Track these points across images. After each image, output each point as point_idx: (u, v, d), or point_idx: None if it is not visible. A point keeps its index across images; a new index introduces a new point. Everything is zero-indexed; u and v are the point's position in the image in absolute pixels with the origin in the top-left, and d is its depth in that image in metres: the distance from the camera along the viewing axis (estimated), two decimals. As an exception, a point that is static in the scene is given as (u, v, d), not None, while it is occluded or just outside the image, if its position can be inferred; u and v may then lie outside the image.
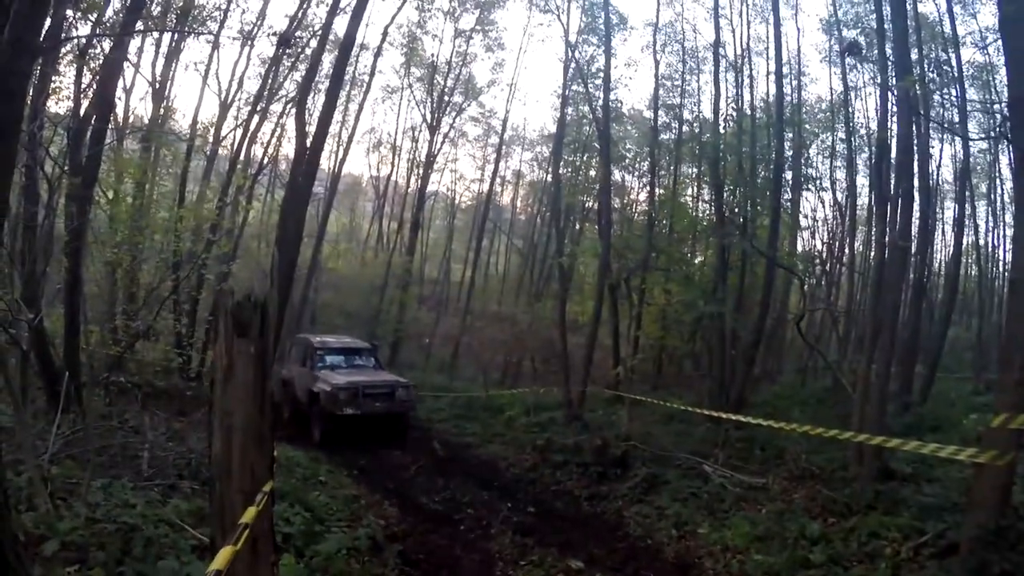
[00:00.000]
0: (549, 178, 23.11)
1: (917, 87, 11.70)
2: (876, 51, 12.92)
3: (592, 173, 20.32)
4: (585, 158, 21.22)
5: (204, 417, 10.74)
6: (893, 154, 11.33)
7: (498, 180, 36.15)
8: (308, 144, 13.47)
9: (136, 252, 13.30)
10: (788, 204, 19.33)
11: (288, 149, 24.07)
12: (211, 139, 20.48)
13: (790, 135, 17.29)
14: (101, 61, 11.89)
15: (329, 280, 29.23)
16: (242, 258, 20.46)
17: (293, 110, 17.15)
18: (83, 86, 11.82)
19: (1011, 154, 7.78)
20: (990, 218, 25.38)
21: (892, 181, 11.07)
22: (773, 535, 7.44)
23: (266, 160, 23.57)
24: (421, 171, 29.51)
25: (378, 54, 26.72)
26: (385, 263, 29.07)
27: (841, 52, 17.10)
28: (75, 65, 11.75)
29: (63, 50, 11.16)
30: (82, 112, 11.33)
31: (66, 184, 10.38)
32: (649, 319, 18.61)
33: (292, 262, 13.69)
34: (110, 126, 12.68)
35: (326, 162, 26.04)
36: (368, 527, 7.35)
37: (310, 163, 13.56)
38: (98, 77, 11.69)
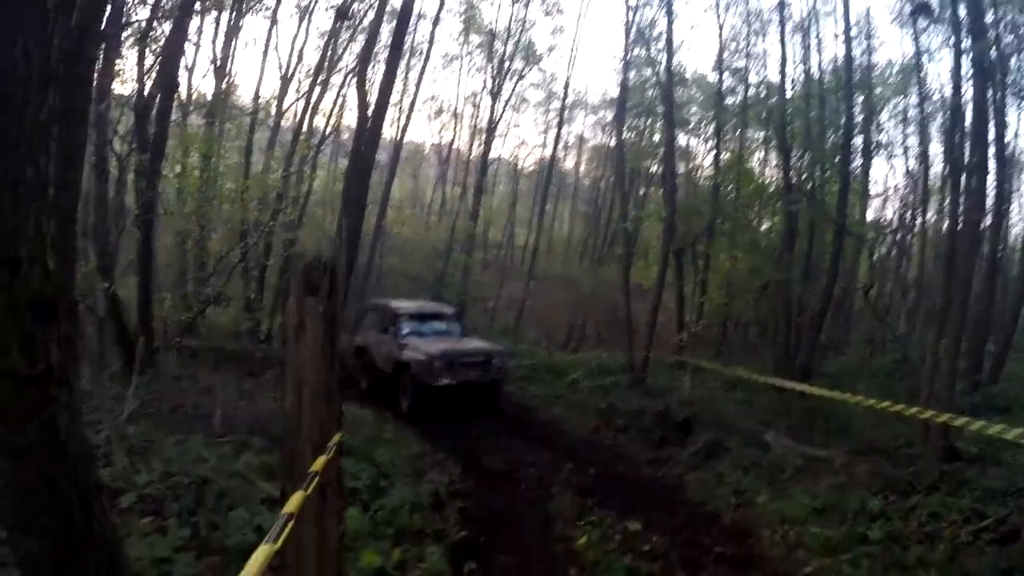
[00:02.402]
0: (613, 143, 22.87)
1: (993, 51, 11.18)
2: (949, 12, 12.29)
3: (656, 137, 20.05)
4: (649, 122, 20.97)
5: (273, 377, 11.44)
6: (967, 121, 10.94)
7: (561, 145, 35.91)
8: (369, 113, 13.77)
9: (205, 222, 13.90)
10: (858, 171, 18.75)
11: (350, 119, 24.58)
12: (273, 112, 21.05)
13: (860, 99, 16.70)
14: (163, 42, 12.40)
15: (394, 245, 29.70)
16: (308, 225, 21.01)
17: (354, 81, 17.47)
18: (146, 67, 12.36)
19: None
20: None
21: (967, 149, 10.72)
22: (832, 509, 7.46)
23: (328, 130, 24.05)
24: (483, 137, 29.59)
25: (436, 22, 26.78)
26: (449, 228, 29.45)
27: (911, 13, 16.29)
28: (137, 48, 12.28)
29: (125, 34, 11.68)
30: (146, 92, 11.89)
31: (134, 161, 10.98)
32: (714, 285, 18.47)
33: (356, 228, 14.12)
34: (174, 104, 13.27)
35: (388, 130, 26.26)
36: (432, 482, 7.61)
37: (372, 131, 13.89)
38: (160, 58, 12.19)
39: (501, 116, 29.96)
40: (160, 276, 12.37)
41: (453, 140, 36.81)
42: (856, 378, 13.51)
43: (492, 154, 31.36)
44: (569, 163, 42.25)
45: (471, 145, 35.42)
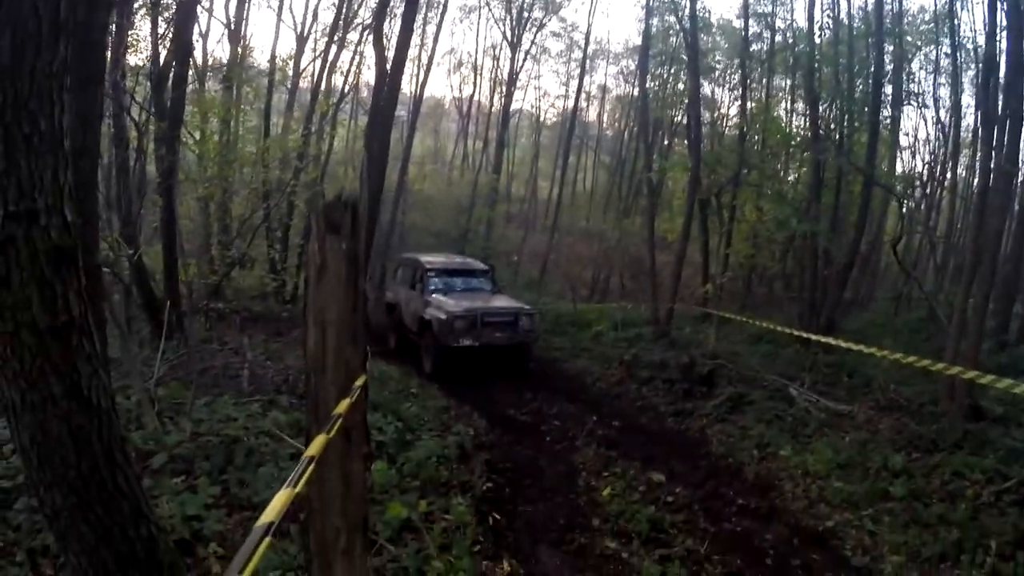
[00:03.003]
0: (636, 92, 22.43)
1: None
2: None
3: (680, 86, 19.64)
4: (673, 71, 20.53)
5: (300, 335, 11.61)
6: (1002, 72, 10.65)
7: (583, 96, 35.35)
8: (388, 69, 13.66)
9: (227, 185, 14.02)
10: (888, 121, 18.37)
11: (368, 76, 24.40)
12: (291, 72, 20.92)
13: (890, 47, 16.21)
14: (175, 9, 12.36)
15: (416, 201, 29.59)
16: (329, 183, 21.05)
17: (370, 37, 17.25)
18: (159, 34, 12.39)
19: None
20: None
21: (1000, 101, 10.46)
22: (855, 464, 7.58)
23: (347, 88, 23.96)
24: (504, 89, 29.25)
25: (453, -28, 26.10)
26: (471, 182, 29.26)
27: None
28: (150, 16, 12.26)
29: (137, 3, 11.66)
30: (161, 59, 11.91)
31: (153, 128, 11.05)
32: (739, 237, 18.33)
33: (379, 184, 14.13)
34: (190, 70, 13.26)
35: (407, 86, 26.01)
36: (458, 435, 7.75)
37: (391, 87, 13.80)
38: (173, 24, 12.17)
39: (521, 67, 29.68)
40: (184, 241, 12.50)
41: (473, 94, 36.45)
42: (881, 334, 13.42)
43: (513, 107, 31.10)
44: (592, 114, 41.63)
45: (492, 98, 35.05)
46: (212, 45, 23.55)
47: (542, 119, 39.06)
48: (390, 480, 5.82)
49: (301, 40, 21.48)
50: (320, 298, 2.41)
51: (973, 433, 7.81)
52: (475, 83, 36.13)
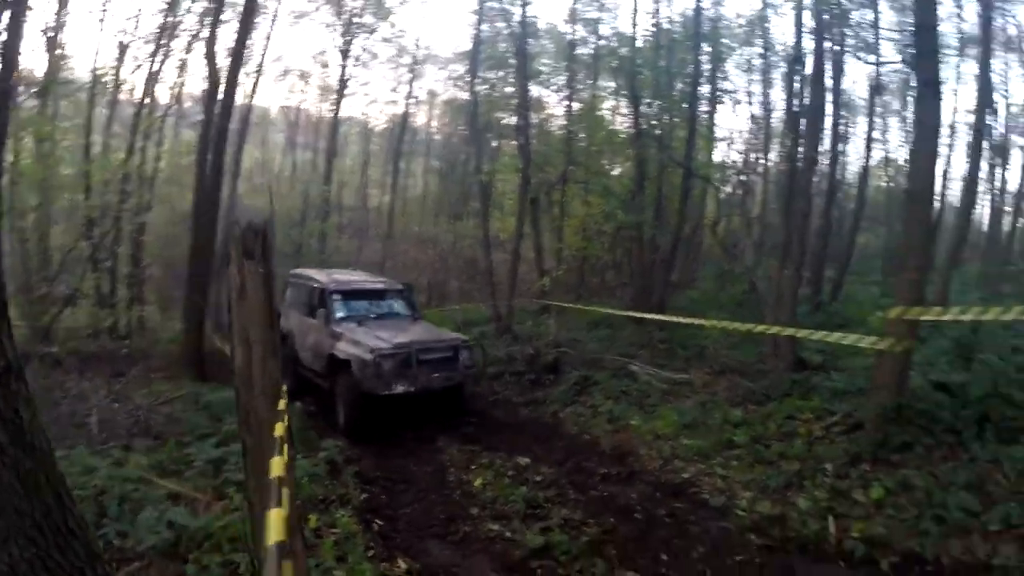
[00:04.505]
0: (466, 96, 22.68)
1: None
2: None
3: (508, 89, 20.13)
4: (502, 75, 20.96)
5: (142, 372, 10.74)
6: (807, 70, 11.95)
7: (412, 101, 35.13)
8: (221, 79, 12.93)
9: (45, 213, 12.70)
10: (705, 117, 19.90)
11: (194, 87, 22.96)
12: (112, 84, 19.21)
13: (707, 49, 17.66)
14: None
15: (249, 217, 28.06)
16: (158, 207, 19.58)
17: (195, 46, 16.29)
18: None
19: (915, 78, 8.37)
20: (901, 133, 26.34)
21: (806, 96, 11.71)
22: (699, 423, 8.23)
23: (172, 100, 22.33)
24: (333, 97, 28.50)
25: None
26: (302, 195, 28.25)
27: None
28: None
29: None
30: None
31: None
32: (570, 231, 19.03)
33: (214, 201, 13.20)
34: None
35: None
36: (327, 450, 7.47)
37: (226, 100, 13.07)
38: None
39: (350, 74, 28.94)
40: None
41: (302, 102, 35.18)
42: (708, 309, 14.46)
43: (343, 114, 30.32)
44: (421, 119, 41.58)
45: (320, 106, 34.09)
46: (26, 54, 20.73)
47: (371, 126, 38.47)
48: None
49: (123, 48, 19.64)
50: (243, 318, 2.61)
51: (799, 382, 8.68)
52: (304, 91, 34.92)
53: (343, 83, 27.93)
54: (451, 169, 32.19)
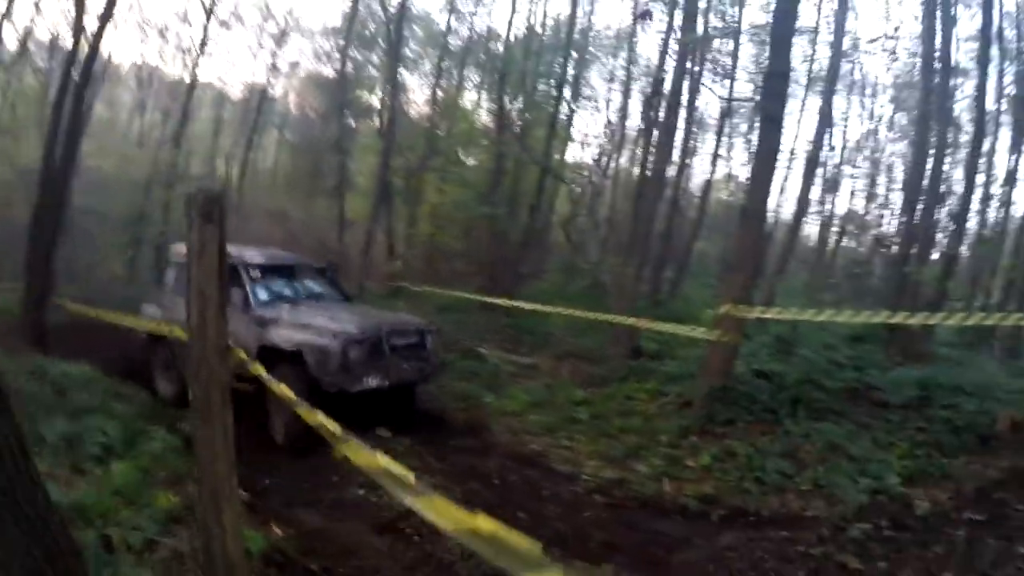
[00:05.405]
0: (329, 72, 22.13)
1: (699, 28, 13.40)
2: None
3: (373, 71, 20.01)
4: (371, 55, 20.73)
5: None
6: (666, 87, 12.98)
7: (274, 72, 33.37)
8: (84, 27, 11.91)
9: None
10: (564, 119, 20.80)
11: (41, 32, 20.77)
12: None
13: (575, 56, 18.53)
14: None
15: (90, 181, 25.19)
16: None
17: None
18: None
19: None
20: (744, 154, 28.61)
21: (662, 112, 12.75)
22: (545, 402, 8.86)
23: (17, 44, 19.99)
24: (192, 58, 26.49)
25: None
26: (151, 160, 25.97)
27: (635, 18, 18.69)
28: None
29: None
30: None
31: None
32: (423, 218, 19.27)
33: (70, 160, 11.99)
34: None
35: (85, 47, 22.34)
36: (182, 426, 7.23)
37: (91, 51, 12.05)
38: None
39: (212, 35, 27.03)
40: None
41: (158, 60, 32.32)
42: (554, 300, 15.17)
43: (200, 78, 28.24)
44: (279, 91, 39.57)
45: (177, 66, 31.55)
46: None
47: (227, 92, 35.99)
48: (136, 479, 5.33)
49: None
50: (201, 276, 2.80)
51: (636, 368, 9.60)
52: (161, 49, 32.04)
53: (204, 44, 26.13)
54: (307, 145, 31.07)
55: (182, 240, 10.04)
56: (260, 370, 3.59)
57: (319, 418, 2.90)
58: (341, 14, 22.02)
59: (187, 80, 25.68)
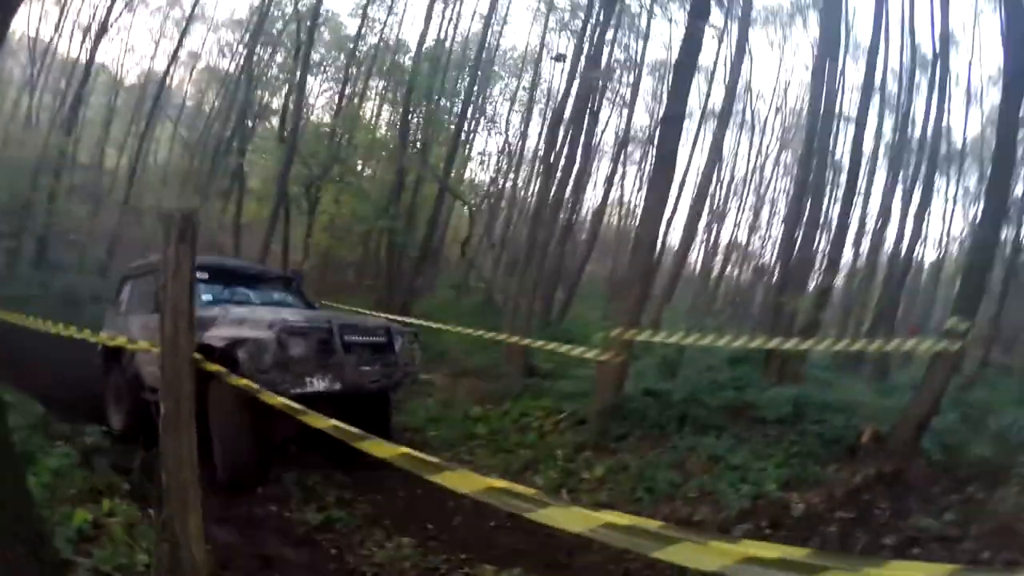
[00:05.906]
0: (231, 67, 21.30)
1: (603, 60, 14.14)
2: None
3: (276, 71, 19.55)
4: (276, 55, 20.21)
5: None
6: (566, 115, 13.55)
7: (174, 61, 31.49)
8: None
9: None
10: (465, 137, 21.10)
11: None
12: None
13: (480, 75, 18.87)
14: None
15: None
16: None
17: None
18: None
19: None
20: (638, 181, 29.31)
21: (560, 138, 13.29)
22: (443, 417, 9.14)
23: None
24: (92, 37, 24.62)
25: None
26: (39, 144, 23.74)
27: (552, 58, 19.59)
28: None
29: None
30: None
31: None
32: (319, 228, 19.01)
33: None
34: None
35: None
36: (92, 435, 6.86)
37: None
38: None
39: (116, 16, 25.33)
40: None
41: (54, 36, 29.81)
42: (447, 316, 15.37)
43: (97, 59, 26.30)
44: (176, 81, 37.22)
45: (73, 44, 29.25)
46: None
47: (121, 78, 33.45)
48: (42, 495, 5.02)
49: None
50: (176, 293, 3.00)
51: (530, 386, 9.96)
52: (58, 24, 29.43)
53: (105, 24, 24.38)
54: (202, 142, 29.53)
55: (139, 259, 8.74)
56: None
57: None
58: (248, 6, 21.23)
59: (85, 60, 23.92)
